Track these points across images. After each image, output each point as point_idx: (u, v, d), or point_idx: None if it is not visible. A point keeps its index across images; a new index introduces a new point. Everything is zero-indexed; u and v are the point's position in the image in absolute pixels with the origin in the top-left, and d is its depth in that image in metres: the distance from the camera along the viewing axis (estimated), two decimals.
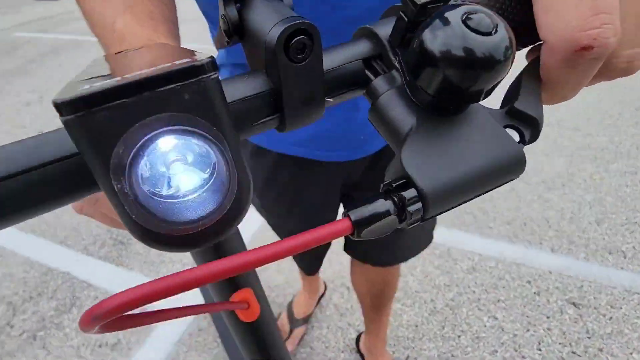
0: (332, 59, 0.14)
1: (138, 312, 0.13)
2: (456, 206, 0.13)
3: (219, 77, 0.10)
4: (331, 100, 0.14)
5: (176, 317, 0.18)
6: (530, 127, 0.14)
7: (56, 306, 1.26)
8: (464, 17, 0.12)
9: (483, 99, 0.13)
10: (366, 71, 0.14)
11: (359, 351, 1.07)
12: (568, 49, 0.12)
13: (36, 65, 3.37)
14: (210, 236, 0.11)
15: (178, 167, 0.10)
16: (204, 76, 0.09)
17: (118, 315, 0.10)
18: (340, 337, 1.14)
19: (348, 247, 0.74)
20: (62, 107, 0.09)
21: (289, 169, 0.57)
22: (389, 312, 0.96)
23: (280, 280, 1.32)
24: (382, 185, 0.12)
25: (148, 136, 0.09)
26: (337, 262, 1.35)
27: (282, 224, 0.72)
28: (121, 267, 1.39)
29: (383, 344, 1.01)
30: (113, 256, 1.43)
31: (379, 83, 0.14)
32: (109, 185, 0.09)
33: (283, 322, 1.14)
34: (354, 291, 0.94)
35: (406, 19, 0.13)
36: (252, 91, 0.13)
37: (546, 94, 0.14)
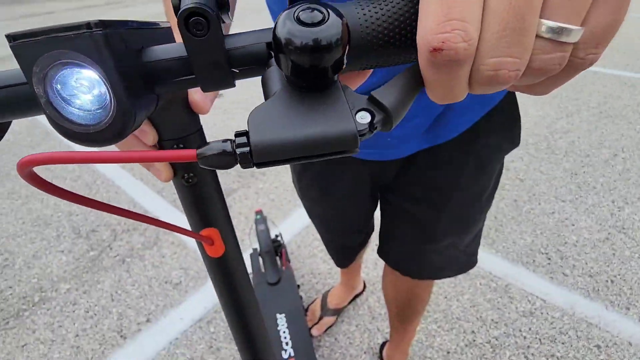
0: (242, 39, 0.18)
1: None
2: (283, 161, 0.15)
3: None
4: (237, 71, 0.18)
5: (140, 220, 0.24)
6: (384, 115, 0.16)
7: (143, 242, 1.52)
8: (297, 12, 0.15)
9: (333, 76, 0.16)
10: (270, 52, 0.18)
11: (380, 357, 1.07)
12: (424, 50, 0.14)
13: None
14: (103, 140, 0.16)
15: (81, 89, 0.15)
16: (89, 31, 0.14)
17: (36, 165, 0.15)
18: (366, 338, 1.15)
19: (381, 252, 0.74)
20: (8, 37, 0.15)
21: None
22: (414, 326, 0.93)
23: (324, 269, 1.38)
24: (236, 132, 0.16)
25: (50, 64, 0.15)
26: (382, 266, 1.34)
27: (313, 209, 0.76)
28: None
29: (403, 357, 0.99)
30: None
31: (272, 61, 0.18)
32: (34, 89, 0.15)
33: (315, 308, 1.19)
34: (383, 296, 0.94)
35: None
36: (170, 55, 0.18)
37: (428, 92, 0.16)
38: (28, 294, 1.33)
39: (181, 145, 0.26)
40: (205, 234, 0.30)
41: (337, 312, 1.18)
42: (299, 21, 0.14)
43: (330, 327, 1.17)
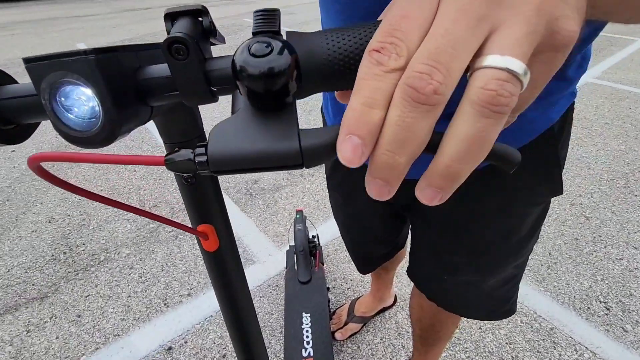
0: (220, 62, 0.21)
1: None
2: (236, 171, 0.18)
3: None
4: (215, 89, 0.21)
5: (134, 213, 0.27)
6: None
7: None
8: (249, 45, 0.17)
9: (284, 100, 0.18)
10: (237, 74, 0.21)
11: None
12: (366, 54, 0.16)
13: None
14: (91, 143, 0.20)
15: (80, 103, 0.20)
16: (84, 56, 0.18)
17: (44, 161, 0.19)
18: (389, 353, 1.13)
19: (409, 271, 0.73)
20: (24, 60, 0.19)
21: None
22: (437, 352, 0.91)
23: (357, 276, 1.38)
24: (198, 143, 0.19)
25: (54, 81, 0.19)
26: None
27: (336, 211, 0.78)
28: (243, 212, 1.71)
29: None
30: (241, 202, 1.77)
31: (239, 83, 0.20)
32: (42, 101, 0.19)
33: (342, 312, 1.21)
34: (409, 315, 0.93)
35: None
36: (159, 74, 0.21)
37: (353, 96, 0.16)
38: (96, 252, 1.53)
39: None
40: (201, 230, 0.34)
41: (363, 320, 1.19)
42: (251, 53, 0.17)
43: (354, 334, 1.18)
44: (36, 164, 0.20)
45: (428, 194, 0.16)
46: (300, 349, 0.97)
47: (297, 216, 1.32)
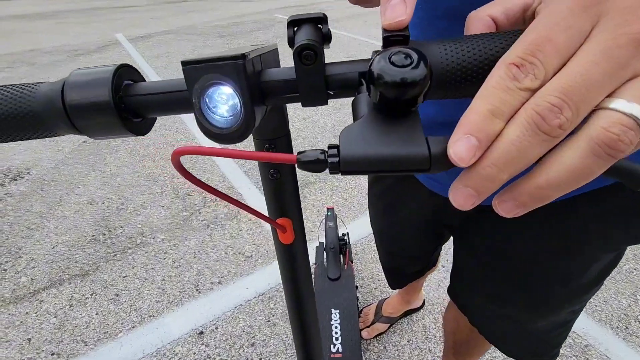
0: (340, 67, 0.22)
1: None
2: (365, 172, 0.18)
3: None
4: (332, 93, 0.22)
5: (231, 202, 0.28)
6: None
7: (226, 213, 1.70)
8: (390, 55, 0.18)
9: (412, 107, 0.19)
10: (361, 79, 0.22)
11: None
12: (502, 63, 0.16)
13: (279, 40, 4.30)
14: (232, 138, 0.22)
15: (221, 102, 0.21)
16: (234, 61, 0.20)
17: (188, 154, 0.21)
18: (415, 355, 1.13)
19: (450, 290, 0.70)
20: (182, 63, 0.21)
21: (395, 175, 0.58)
22: None
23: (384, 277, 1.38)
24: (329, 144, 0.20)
25: (207, 83, 0.21)
26: (445, 287, 1.30)
27: (375, 220, 0.77)
28: None
29: None
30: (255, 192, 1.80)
31: (362, 88, 0.21)
32: (193, 101, 0.21)
33: (369, 311, 1.21)
34: (443, 325, 0.92)
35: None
36: (283, 77, 0.23)
37: (477, 99, 0.16)
38: (133, 235, 1.60)
39: (273, 146, 0.32)
40: (281, 222, 0.36)
41: (390, 320, 1.19)
42: (391, 62, 0.18)
43: (381, 333, 1.18)
44: (177, 158, 0.22)
45: (508, 207, 0.17)
46: (329, 344, 0.99)
47: (328, 213, 1.34)
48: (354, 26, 4.84)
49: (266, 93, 0.23)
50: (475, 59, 0.19)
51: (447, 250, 1.38)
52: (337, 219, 1.37)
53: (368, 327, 1.18)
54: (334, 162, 0.18)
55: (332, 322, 1.03)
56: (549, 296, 0.52)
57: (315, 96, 0.23)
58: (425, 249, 0.76)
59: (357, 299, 1.13)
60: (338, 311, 1.05)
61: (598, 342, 1.12)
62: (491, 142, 0.16)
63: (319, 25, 0.23)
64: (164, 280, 1.39)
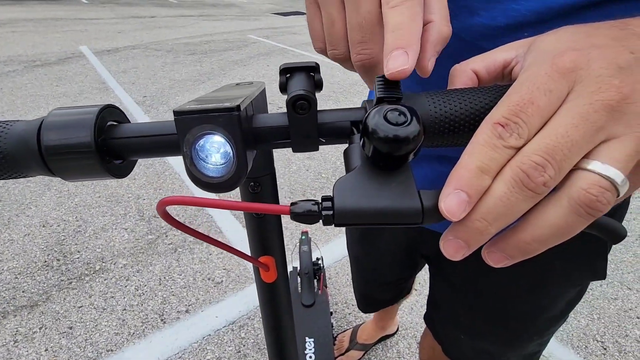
0: (332, 115, 0.23)
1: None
2: (359, 224, 0.18)
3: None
4: (324, 140, 0.23)
5: (216, 245, 0.27)
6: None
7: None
8: (385, 112, 0.18)
9: (405, 162, 0.19)
10: (352, 128, 0.23)
11: None
12: (488, 122, 0.17)
13: (253, 61, 4.33)
14: (223, 187, 0.21)
15: (213, 150, 0.21)
16: (229, 113, 0.20)
17: (175, 204, 0.20)
18: None
19: (426, 318, 0.71)
20: (174, 113, 0.20)
21: None
22: None
23: None
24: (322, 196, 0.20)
25: (199, 133, 0.20)
26: (420, 313, 1.31)
27: (352, 245, 0.77)
28: (245, 228, 1.69)
29: None
30: (242, 218, 1.76)
31: (355, 137, 0.22)
32: (183, 150, 0.20)
33: (344, 338, 1.19)
34: (419, 352, 0.92)
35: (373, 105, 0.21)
36: (275, 123, 0.23)
37: (463, 159, 0.17)
38: (92, 261, 1.48)
39: (258, 184, 0.32)
40: (263, 261, 0.35)
41: (365, 347, 1.17)
42: (386, 119, 0.18)
43: None
44: (163, 208, 0.21)
45: (497, 258, 0.18)
46: None
47: (303, 237, 1.32)
48: None
49: (257, 138, 0.23)
50: (462, 113, 0.20)
51: (421, 273, 1.41)
52: (312, 243, 1.35)
53: (343, 354, 1.15)
54: (328, 215, 0.18)
55: (306, 352, 1.00)
56: (521, 330, 0.54)
57: (306, 143, 0.23)
58: (400, 276, 0.77)
59: (332, 326, 1.11)
60: (312, 339, 1.02)
61: None
62: (480, 197, 0.17)
63: (311, 74, 0.23)
64: (125, 310, 1.29)
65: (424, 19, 0.22)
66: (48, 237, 1.59)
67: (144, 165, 2.15)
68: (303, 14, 8.27)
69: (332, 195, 0.19)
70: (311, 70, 0.24)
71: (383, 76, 0.21)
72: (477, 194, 0.16)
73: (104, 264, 1.47)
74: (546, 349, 1.19)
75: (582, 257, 0.46)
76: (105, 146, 0.22)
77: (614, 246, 1.65)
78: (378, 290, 0.83)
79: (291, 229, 1.70)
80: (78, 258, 1.49)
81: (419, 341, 0.90)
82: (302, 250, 1.26)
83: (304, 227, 1.71)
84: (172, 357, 1.15)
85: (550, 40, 0.20)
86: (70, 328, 1.22)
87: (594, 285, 1.45)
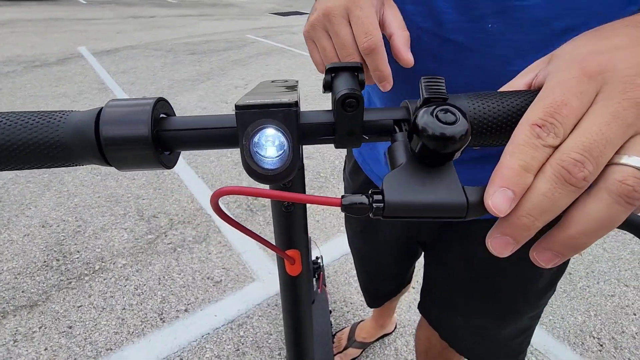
0: (376, 114, 0.24)
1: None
2: (405, 217, 0.19)
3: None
4: (367, 137, 0.24)
5: (253, 237, 0.28)
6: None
7: (195, 236, 1.64)
8: (436, 111, 0.19)
9: (450, 159, 0.20)
10: (394, 126, 0.24)
11: None
12: (524, 123, 0.18)
13: (252, 61, 4.33)
14: (277, 179, 0.22)
15: (268, 144, 0.22)
16: (288, 108, 0.21)
17: (231, 194, 0.21)
18: None
19: (421, 308, 0.73)
20: (236, 107, 0.21)
21: None
22: None
23: (357, 299, 1.38)
24: (371, 190, 0.20)
25: (259, 127, 0.21)
26: (417, 311, 1.32)
27: (353, 240, 0.79)
28: None
29: None
30: (242, 217, 1.77)
31: (398, 135, 0.23)
32: (242, 143, 0.22)
33: (342, 336, 1.20)
34: (415, 345, 0.93)
35: (419, 104, 0.22)
36: (322, 120, 0.24)
37: (504, 159, 0.19)
38: (91, 261, 1.49)
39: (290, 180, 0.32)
40: (290, 254, 0.36)
41: (364, 345, 1.18)
42: (437, 118, 0.19)
43: (354, 359, 1.17)
44: (217, 200, 0.22)
45: (547, 257, 0.19)
46: None
47: None
48: None
49: (304, 135, 0.24)
50: (500, 114, 0.22)
51: (417, 271, 1.41)
52: (312, 242, 1.36)
53: (341, 352, 1.16)
54: (379, 207, 0.19)
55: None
56: (511, 303, 0.57)
57: (350, 140, 0.24)
58: (401, 267, 0.78)
59: (331, 324, 1.11)
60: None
61: (558, 358, 1.17)
62: (523, 194, 0.18)
63: (356, 73, 0.25)
64: (124, 309, 1.30)
65: (388, 34, 0.32)
66: (48, 237, 1.60)
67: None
68: (302, 14, 8.27)
69: (381, 189, 0.20)
70: (355, 70, 0.25)
71: (430, 77, 0.22)
72: (522, 191, 0.18)
73: (103, 264, 1.48)
74: (543, 345, 1.20)
75: None
76: (159, 138, 0.23)
77: (611, 245, 1.66)
78: (382, 282, 0.85)
79: None
80: (77, 258, 1.50)
81: (415, 333, 0.91)
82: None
83: None
84: (171, 356, 1.15)
85: (570, 48, 0.22)
86: (70, 327, 1.23)
87: (591, 282, 1.46)
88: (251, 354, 1.18)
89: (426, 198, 0.19)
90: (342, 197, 0.20)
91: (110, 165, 0.24)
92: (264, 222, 1.73)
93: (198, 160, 2.22)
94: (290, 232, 0.35)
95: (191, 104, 3.07)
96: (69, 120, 0.23)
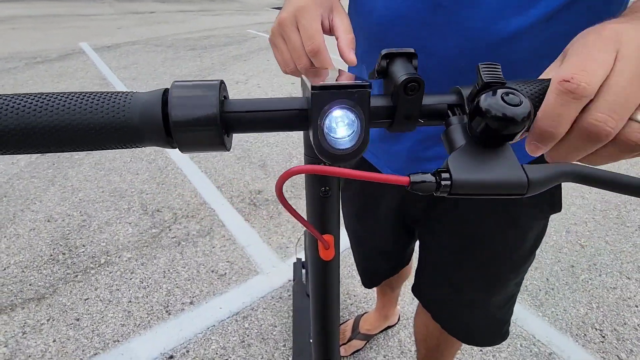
0: (431, 99, 0.25)
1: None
2: (469, 195, 0.21)
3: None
4: (422, 121, 0.25)
5: (300, 221, 0.29)
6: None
7: (198, 230, 1.65)
8: (502, 94, 0.21)
9: (509, 142, 0.21)
10: (448, 111, 0.25)
11: None
12: (555, 80, 0.20)
13: (253, 56, 4.32)
14: (347, 159, 0.23)
15: (342, 124, 0.23)
16: (363, 89, 0.22)
17: (301, 173, 0.21)
18: None
19: (414, 289, 0.75)
20: (312, 88, 0.22)
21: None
22: None
23: (360, 292, 1.39)
24: (436, 169, 0.22)
25: (335, 106, 0.22)
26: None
27: (350, 222, 0.80)
28: (247, 222, 1.71)
29: None
30: (245, 212, 1.78)
31: (452, 119, 0.24)
32: (317, 123, 0.22)
33: (346, 328, 1.21)
34: (414, 334, 0.94)
35: (477, 88, 0.23)
36: (383, 104, 0.25)
37: (539, 121, 0.22)
38: (97, 254, 1.50)
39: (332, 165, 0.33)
40: (326, 239, 0.36)
41: (367, 337, 1.19)
42: (504, 101, 0.20)
43: (357, 350, 1.18)
44: (283, 182, 0.22)
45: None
46: None
47: None
48: None
49: (370, 116, 0.25)
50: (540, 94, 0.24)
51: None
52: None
53: (345, 344, 1.17)
54: (446, 184, 0.21)
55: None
56: (500, 268, 0.60)
57: (406, 123, 0.25)
58: (396, 246, 0.79)
59: None
60: None
61: (560, 349, 1.18)
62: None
63: (411, 60, 0.25)
64: (130, 302, 1.31)
65: (335, 37, 0.36)
66: (53, 232, 1.61)
67: (146, 161, 2.16)
68: None
69: (447, 168, 0.21)
70: (411, 57, 0.25)
71: (487, 63, 0.23)
72: (554, 143, 0.22)
73: (109, 257, 1.49)
74: (546, 336, 1.22)
75: (544, 193, 0.51)
76: (223, 120, 0.24)
77: (613, 238, 1.66)
78: (378, 260, 0.86)
79: (293, 222, 1.72)
80: (83, 252, 1.51)
81: (413, 323, 0.92)
82: (308, 242, 1.27)
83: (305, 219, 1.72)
84: (178, 347, 1.17)
85: (582, 34, 0.24)
86: (77, 320, 1.24)
87: (593, 275, 1.46)
88: (256, 346, 1.19)
89: (489, 176, 0.21)
90: (410, 175, 0.21)
91: (174, 147, 0.24)
92: (267, 217, 1.74)
93: (200, 155, 2.22)
94: (327, 217, 0.36)
95: None
96: (135, 102, 0.23)
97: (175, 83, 0.23)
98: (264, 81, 3.52)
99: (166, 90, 0.23)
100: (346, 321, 1.25)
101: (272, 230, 1.66)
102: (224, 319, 1.26)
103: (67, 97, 0.23)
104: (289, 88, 3.36)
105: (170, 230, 1.64)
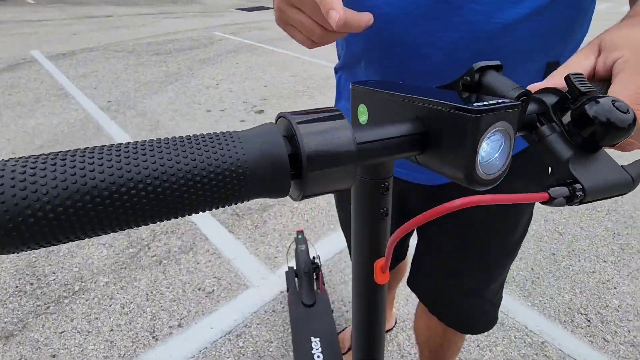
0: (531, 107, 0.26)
1: None
2: (594, 201, 0.21)
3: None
4: (519, 133, 0.25)
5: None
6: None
7: (180, 246, 1.57)
8: (613, 102, 0.22)
9: (611, 147, 0.23)
10: (536, 122, 0.25)
11: None
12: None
13: (221, 59, 4.20)
14: (493, 183, 0.22)
15: (494, 147, 0.21)
16: (515, 110, 0.21)
17: (471, 205, 0.19)
18: None
19: (411, 283, 0.74)
20: (472, 111, 0.20)
21: None
22: None
23: None
24: (552, 182, 0.22)
25: (494, 130, 0.21)
26: (415, 304, 1.33)
27: (346, 220, 0.77)
28: (231, 233, 1.65)
29: None
30: (228, 223, 1.71)
31: (545, 129, 0.24)
32: (475, 147, 0.20)
33: (345, 337, 1.19)
34: (415, 336, 0.93)
35: (570, 97, 0.23)
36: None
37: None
38: (69, 282, 1.39)
39: (387, 184, 0.32)
40: (382, 263, 0.33)
41: None
42: (618, 109, 0.21)
43: None
44: (440, 213, 0.20)
45: None
46: None
47: (299, 236, 1.29)
48: (295, 45, 4.93)
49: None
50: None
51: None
52: (306, 240, 1.33)
53: (345, 353, 1.15)
54: (580, 194, 0.21)
55: (313, 352, 0.98)
56: (496, 256, 0.62)
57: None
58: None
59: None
60: (318, 339, 1.01)
61: (552, 337, 1.22)
62: None
63: (499, 72, 0.25)
64: (112, 330, 1.22)
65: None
66: (17, 261, 1.47)
67: None
68: (268, 8, 8.12)
69: (575, 179, 0.22)
70: (498, 69, 0.25)
71: (575, 74, 0.24)
72: None
73: (83, 284, 1.38)
74: (537, 326, 1.25)
75: (535, 174, 0.56)
76: (359, 152, 0.21)
77: (587, 223, 1.74)
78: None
79: (279, 230, 1.67)
80: (54, 280, 1.39)
81: (413, 325, 0.91)
82: (299, 250, 1.23)
83: (295, 227, 1.69)
84: None
85: (613, 38, 0.28)
86: (54, 356, 1.14)
87: (573, 261, 1.53)
88: None
89: (608, 181, 0.22)
90: (548, 190, 0.21)
91: (298, 195, 0.20)
92: (252, 226, 1.68)
93: None
94: (384, 238, 0.34)
95: (162, 107, 2.93)
96: (247, 145, 0.18)
97: (291, 115, 0.19)
98: (235, 85, 3.43)
99: (290, 124, 0.19)
100: (344, 329, 1.23)
101: (259, 241, 1.61)
102: (217, 339, 1.20)
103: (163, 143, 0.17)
104: (263, 91, 3.29)
105: (149, 248, 1.55)
